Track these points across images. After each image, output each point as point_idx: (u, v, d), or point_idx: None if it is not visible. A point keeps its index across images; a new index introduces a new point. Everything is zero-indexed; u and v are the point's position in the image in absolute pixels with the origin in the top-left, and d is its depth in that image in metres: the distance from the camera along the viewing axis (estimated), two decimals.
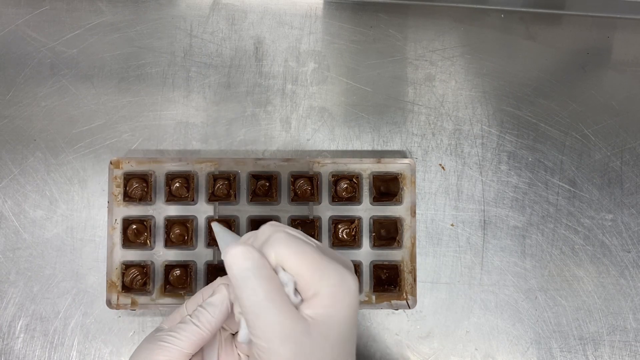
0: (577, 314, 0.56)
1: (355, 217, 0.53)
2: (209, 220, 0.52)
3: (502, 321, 0.55)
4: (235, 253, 0.34)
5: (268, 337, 0.34)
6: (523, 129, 0.57)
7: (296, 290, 0.35)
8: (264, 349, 0.34)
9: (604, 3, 0.59)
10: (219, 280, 0.41)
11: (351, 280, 0.36)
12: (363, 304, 0.52)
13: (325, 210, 0.53)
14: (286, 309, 0.34)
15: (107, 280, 0.52)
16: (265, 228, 0.37)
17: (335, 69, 0.58)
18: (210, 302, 0.39)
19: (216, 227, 0.42)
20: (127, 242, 0.52)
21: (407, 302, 0.52)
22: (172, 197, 0.53)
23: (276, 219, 0.53)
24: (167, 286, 0.52)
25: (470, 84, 0.58)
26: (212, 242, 0.52)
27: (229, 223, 0.53)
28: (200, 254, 0.53)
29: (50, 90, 0.56)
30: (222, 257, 0.35)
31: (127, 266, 0.52)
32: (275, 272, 0.35)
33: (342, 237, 0.53)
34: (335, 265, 0.36)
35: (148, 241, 0.52)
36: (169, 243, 0.52)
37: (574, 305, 0.56)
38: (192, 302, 0.42)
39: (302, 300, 0.35)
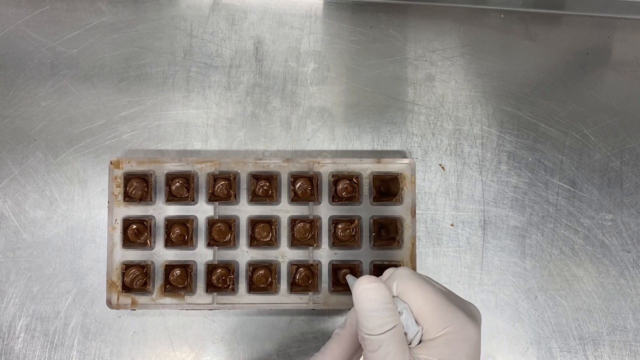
0: (577, 314, 0.56)
1: (355, 217, 0.53)
2: (344, 273, 0.53)
3: (502, 321, 0.55)
4: (370, 287, 0.35)
5: None
6: (523, 129, 0.57)
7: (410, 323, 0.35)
8: None
9: (604, 3, 0.59)
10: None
11: (472, 329, 0.35)
12: None
13: (325, 210, 0.53)
14: (404, 349, 0.34)
15: (107, 280, 0.52)
16: (390, 268, 0.39)
17: (335, 69, 0.58)
18: None
19: (350, 279, 0.45)
20: (127, 242, 0.52)
21: None
22: (172, 197, 0.53)
23: (276, 219, 0.53)
24: (167, 286, 0.52)
25: (470, 84, 0.58)
26: (211, 242, 0.53)
27: (229, 223, 0.53)
28: (200, 254, 0.53)
29: (50, 90, 0.56)
30: (353, 290, 0.36)
31: (127, 266, 0.52)
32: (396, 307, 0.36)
33: (342, 237, 0.53)
34: (457, 311, 0.35)
35: (148, 241, 0.52)
36: (169, 243, 0.52)
37: (573, 305, 0.56)
38: None
39: (417, 333, 0.35)
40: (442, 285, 0.38)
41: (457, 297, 0.38)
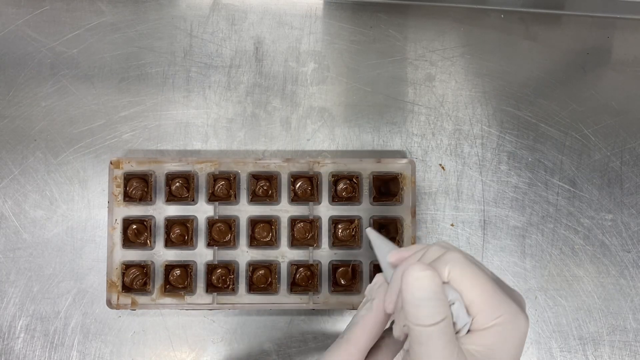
0: (577, 314, 0.56)
1: (355, 217, 0.53)
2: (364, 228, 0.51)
3: None
4: (423, 276, 0.32)
5: None
6: (523, 129, 0.57)
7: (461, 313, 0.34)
8: None
9: (604, 3, 0.59)
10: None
11: (523, 320, 0.34)
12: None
13: (325, 210, 0.53)
14: (453, 341, 0.33)
15: (107, 280, 0.52)
16: (436, 247, 0.35)
17: (335, 69, 0.58)
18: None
19: (372, 235, 0.41)
20: (127, 242, 0.52)
21: None
22: (172, 197, 0.53)
23: (276, 219, 0.53)
24: (167, 286, 0.52)
25: (470, 84, 0.58)
26: (211, 242, 0.53)
27: (229, 223, 0.53)
28: (200, 254, 0.53)
29: (50, 90, 0.56)
30: (389, 270, 0.34)
31: (127, 266, 0.52)
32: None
33: (342, 237, 0.53)
34: (509, 301, 0.34)
35: (148, 241, 0.52)
36: (169, 243, 0.52)
37: (574, 305, 0.56)
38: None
39: (466, 324, 0.34)
40: (487, 269, 0.36)
41: (504, 284, 0.36)
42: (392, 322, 0.37)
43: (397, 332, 0.36)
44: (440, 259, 0.34)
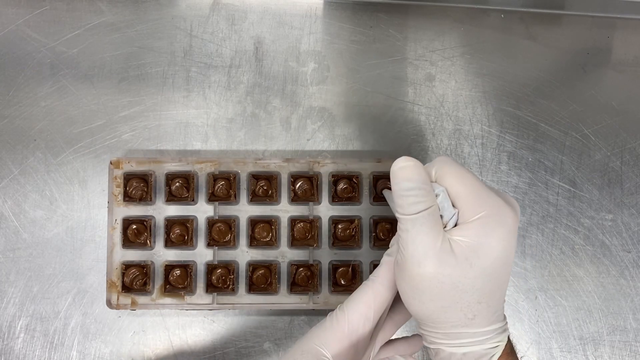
0: (577, 314, 0.56)
1: (355, 217, 0.53)
2: (382, 189, 0.52)
3: None
4: (406, 166, 0.35)
5: (414, 248, 0.34)
6: (523, 129, 0.57)
7: (446, 207, 0.35)
8: (409, 259, 0.34)
9: (604, 3, 0.59)
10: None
11: (508, 213, 0.35)
12: None
13: (325, 210, 0.53)
14: (438, 229, 0.34)
15: (107, 280, 0.52)
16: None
17: (335, 69, 0.58)
18: None
19: (387, 194, 0.44)
20: (127, 242, 0.52)
21: None
22: (172, 197, 0.53)
23: (276, 219, 0.53)
24: (167, 286, 0.52)
25: (470, 84, 0.58)
26: (211, 242, 0.53)
27: (229, 223, 0.53)
28: (200, 254, 0.53)
29: (50, 90, 0.56)
30: (391, 169, 0.36)
31: (127, 266, 0.52)
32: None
33: (342, 237, 0.53)
34: (494, 196, 0.35)
35: (148, 241, 0.52)
36: (169, 243, 0.52)
37: (574, 305, 0.56)
38: None
39: (453, 216, 0.35)
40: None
41: (497, 190, 0.38)
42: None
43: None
44: (429, 164, 0.37)
